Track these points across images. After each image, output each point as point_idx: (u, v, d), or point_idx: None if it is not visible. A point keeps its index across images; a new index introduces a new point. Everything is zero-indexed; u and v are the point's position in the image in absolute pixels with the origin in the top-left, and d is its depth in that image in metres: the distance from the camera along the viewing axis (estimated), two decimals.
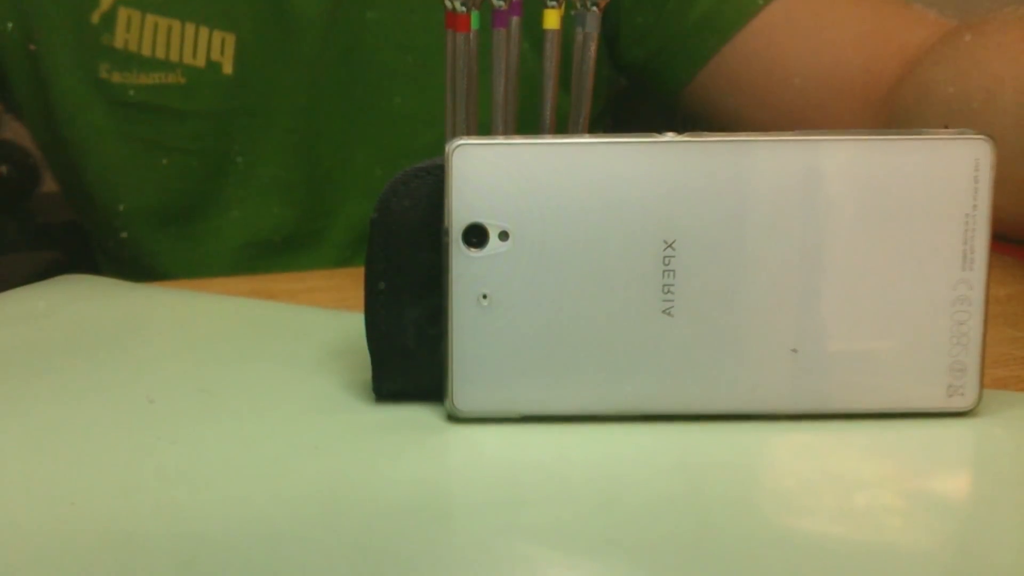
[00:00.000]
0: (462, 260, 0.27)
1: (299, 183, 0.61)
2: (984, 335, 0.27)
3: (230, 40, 0.57)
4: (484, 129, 0.34)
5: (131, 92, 0.58)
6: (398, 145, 0.60)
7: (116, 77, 0.58)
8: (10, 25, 0.60)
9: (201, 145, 0.60)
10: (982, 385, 0.27)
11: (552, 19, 0.32)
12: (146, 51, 0.58)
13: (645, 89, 0.65)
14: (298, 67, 0.59)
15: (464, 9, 0.32)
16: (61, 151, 0.62)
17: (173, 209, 0.61)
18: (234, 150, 0.60)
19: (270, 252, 0.62)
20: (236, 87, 0.58)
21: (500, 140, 0.27)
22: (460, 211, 0.26)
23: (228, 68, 0.58)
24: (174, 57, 0.57)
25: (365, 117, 0.60)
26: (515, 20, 0.33)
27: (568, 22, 0.33)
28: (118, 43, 0.58)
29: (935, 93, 0.50)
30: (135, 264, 0.64)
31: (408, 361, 0.28)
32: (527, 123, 0.35)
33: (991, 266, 0.27)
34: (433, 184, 0.27)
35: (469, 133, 0.34)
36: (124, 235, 0.62)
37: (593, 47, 0.32)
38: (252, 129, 0.59)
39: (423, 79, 0.59)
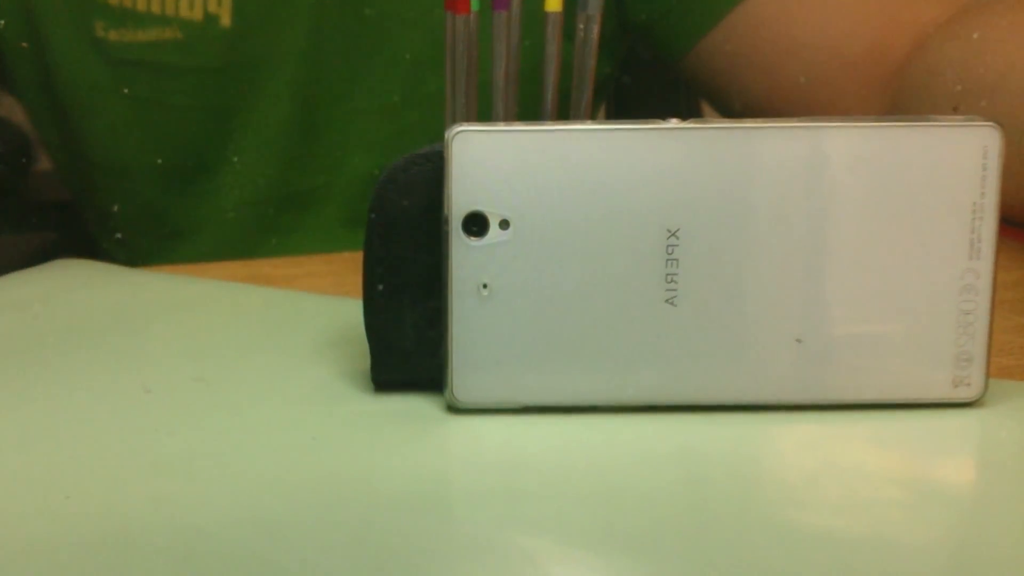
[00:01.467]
0: (462, 249, 0.26)
1: (300, 136, 0.60)
2: (991, 325, 0.27)
3: None
4: (484, 115, 0.34)
5: (128, 50, 0.57)
6: (402, 93, 0.59)
7: (113, 35, 0.57)
8: (2, 22, 0.59)
9: (201, 101, 0.59)
10: (988, 375, 0.27)
11: (554, 1, 0.32)
12: (141, 6, 0.57)
13: (648, 72, 0.65)
14: (298, 15, 0.57)
15: None
16: (59, 117, 0.62)
17: (174, 166, 0.60)
18: (234, 104, 0.59)
19: (272, 208, 0.61)
20: (235, 40, 0.57)
21: (500, 127, 0.26)
22: (460, 199, 0.26)
23: (226, 20, 0.57)
24: (170, 11, 0.56)
25: (368, 64, 0.58)
26: (516, 2, 0.32)
27: (570, 4, 0.32)
28: (112, 0, 0.57)
29: (945, 72, 0.49)
30: (135, 226, 0.63)
31: (408, 362, 0.28)
32: (528, 107, 0.34)
33: (998, 253, 0.27)
34: (432, 172, 0.27)
35: (469, 118, 0.34)
36: (121, 185, 0.61)
37: (595, 30, 0.32)
38: (253, 82, 0.58)
39: (428, 22, 0.58)
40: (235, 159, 0.60)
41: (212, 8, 0.56)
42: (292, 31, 0.58)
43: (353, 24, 0.58)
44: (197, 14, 0.57)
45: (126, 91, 0.59)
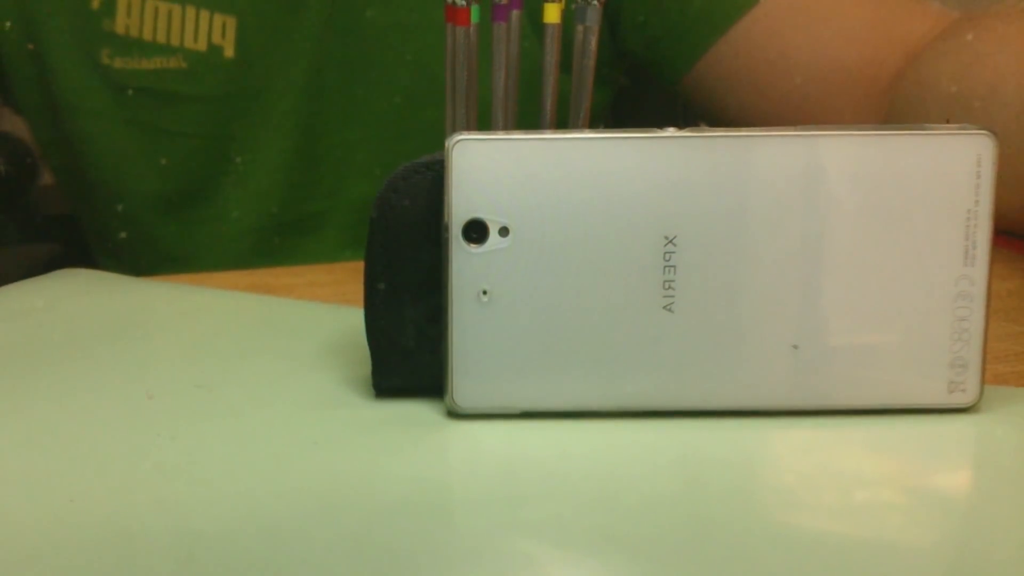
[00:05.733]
0: (462, 256, 0.26)
1: (300, 165, 0.60)
2: (986, 331, 0.27)
3: (231, 23, 0.57)
4: (484, 124, 0.34)
5: (132, 77, 0.58)
6: (400, 124, 0.60)
7: (117, 62, 0.58)
8: (8, 24, 0.60)
9: (203, 129, 0.59)
10: (983, 381, 0.27)
11: (552, 13, 0.32)
12: (147, 36, 0.57)
13: (646, 81, 0.65)
14: (299, 48, 0.58)
15: (464, 3, 0.32)
16: (61, 139, 0.62)
17: (175, 193, 0.61)
18: (235, 133, 0.60)
19: (272, 234, 0.62)
20: (238, 70, 0.58)
21: (500, 135, 0.26)
22: (460, 207, 0.26)
23: (230, 52, 0.58)
24: (175, 41, 0.57)
25: (366, 96, 0.60)
26: (515, 14, 0.33)
27: (569, 16, 0.32)
28: (119, 28, 0.58)
29: (937, 86, 0.50)
30: (134, 250, 0.64)
31: (408, 361, 0.28)
32: (527, 117, 0.35)
33: (992, 260, 0.27)
34: (433, 180, 0.27)
35: (469, 128, 0.34)
36: (123, 212, 0.62)
37: (594, 41, 0.32)
38: (254, 112, 0.59)
39: (424, 57, 0.59)
40: (236, 186, 0.61)
41: (216, 39, 0.57)
42: (293, 63, 0.59)
43: (352, 57, 0.59)
44: (201, 45, 0.57)
45: (129, 117, 0.59)
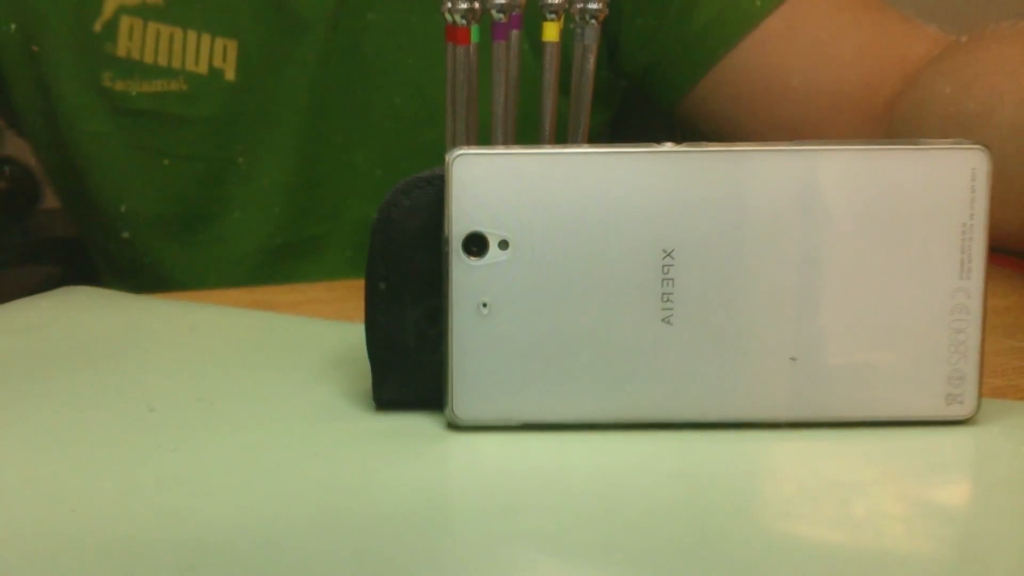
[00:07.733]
0: (462, 269, 0.27)
1: (301, 187, 0.61)
2: (982, 343, 0.27)
3: (232, 47, 0.58)
4: (484, 139, 0.34)
5: (134, 99, 0.59)
6: (399, 145, 0.60)
7: (119, 85, 0.59)
8: (13, 26, 0.61)
9: (204, 151, 0.60)
10: (980, 393, 0.27)
11: (551, 31, 0.32)
12: (148, 59, 0.58)
13: (644, 98, 0.66)
14: (299, 71, 0.59)
15: (464, 22, 0.32)
16: (63, 160, 0.63)
17: (176, 215, 0.62)
18: (236, 155, 0.60)
19: (274, 256, 0.62)
20: (238, 93, 0.59)
21: (500, 150, 0.27)
22: (460, 220, 0.27)
23: (230, 75, 0.58)
24: (176, 64, 0.58)
25: (366, 118, 0.60)
26: (515, 33, 0.33)
27: (568, 34, 0.33)
28: (120, 51, 0.58)
29: (934, 107, 0.50)
30: (137, 272, 0.64)
31: (408, 362, 0.28)
32: (526, 131, 0.35)
33: (989, 277, 0.27)
34: (434, 194, 0.27)
35: (469, 143, 0.34)
36: (126, 235, 0.62)
37: (592, 59, 0.32)
38: (254, 134, 0.60)
39: (423, 79, 0.59)
40: (235, 209, 0.61)
41: (217, 63, 0.58)
42: (294, 86, 0.59)
43: (352, 80, 0.59)
44: (202, 68, 0.58)
45: (131, 140, 0.60)
